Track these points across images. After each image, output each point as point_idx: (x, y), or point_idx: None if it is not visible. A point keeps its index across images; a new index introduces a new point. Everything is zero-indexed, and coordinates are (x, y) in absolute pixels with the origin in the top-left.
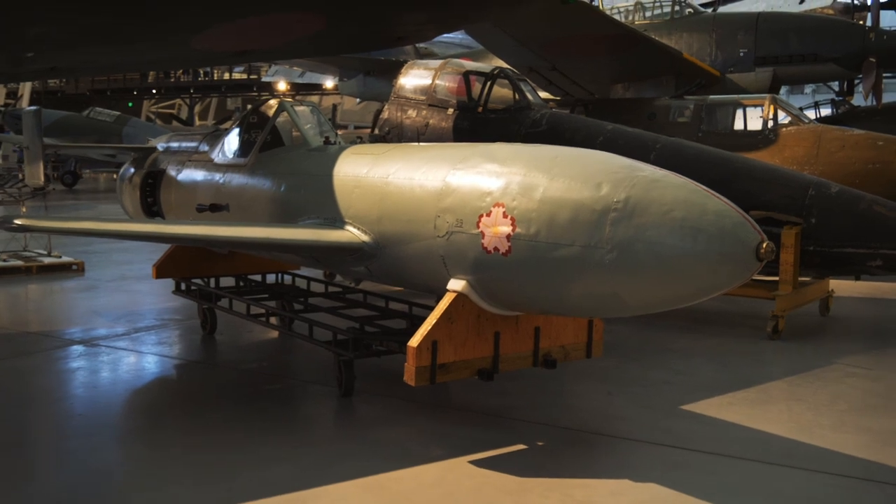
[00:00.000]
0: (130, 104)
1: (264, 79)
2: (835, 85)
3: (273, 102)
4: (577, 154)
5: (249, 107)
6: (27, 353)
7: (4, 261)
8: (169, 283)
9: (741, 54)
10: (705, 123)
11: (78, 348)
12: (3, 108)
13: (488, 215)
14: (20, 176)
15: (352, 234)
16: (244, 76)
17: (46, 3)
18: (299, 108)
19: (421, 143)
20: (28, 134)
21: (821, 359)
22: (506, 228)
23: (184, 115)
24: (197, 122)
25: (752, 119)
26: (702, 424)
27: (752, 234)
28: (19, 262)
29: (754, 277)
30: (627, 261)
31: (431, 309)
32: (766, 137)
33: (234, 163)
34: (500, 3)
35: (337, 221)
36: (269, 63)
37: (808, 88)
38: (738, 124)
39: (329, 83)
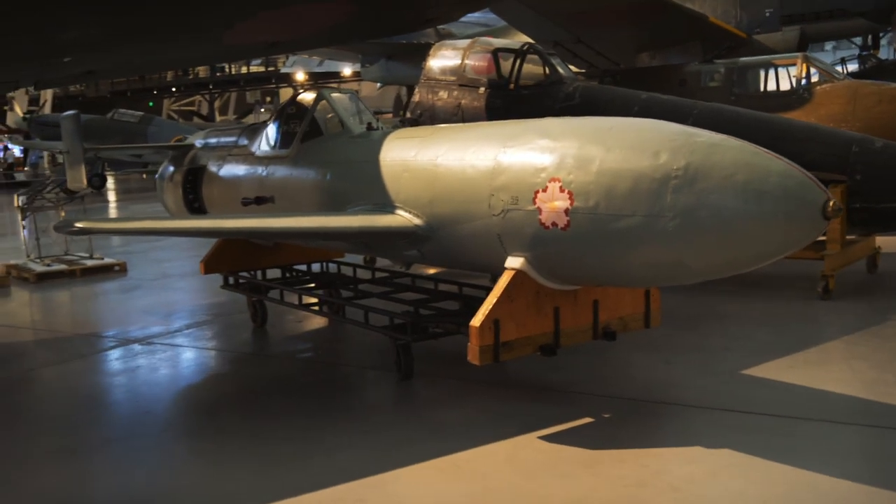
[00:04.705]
0: (151, 104)
1: (283, 70)
2: (857, 40)
3: (311, 92)
4: (631, 124)
5: (274, 99)
6: (85, 355)
7: (48, 265)
8: (211, 280)
9: (767, 14)
10: (737, 86)
11: (134, 347)
12: (27, 116)
13: (544, 191)
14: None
15: (404, 217)
16: (262, 69)
17: (82, 6)
18: (338, 96)
19: (466, 124)
20: (68, 138)
21: (876, 316)
22: (563, 203)
23: (204, 111)
24: (217, 118)
25: (784, 79)
26: (765, 388)
27: (818, 192)
28: (63, 266)
29: None
30: (692, 227)
31: (482, 288)
32: (800, 97)
33: (277, 154)
34: None
35: (387, 206)
36: (287, 54)
37: (829, 45)
38: (771, 85)
39: (347, 71)
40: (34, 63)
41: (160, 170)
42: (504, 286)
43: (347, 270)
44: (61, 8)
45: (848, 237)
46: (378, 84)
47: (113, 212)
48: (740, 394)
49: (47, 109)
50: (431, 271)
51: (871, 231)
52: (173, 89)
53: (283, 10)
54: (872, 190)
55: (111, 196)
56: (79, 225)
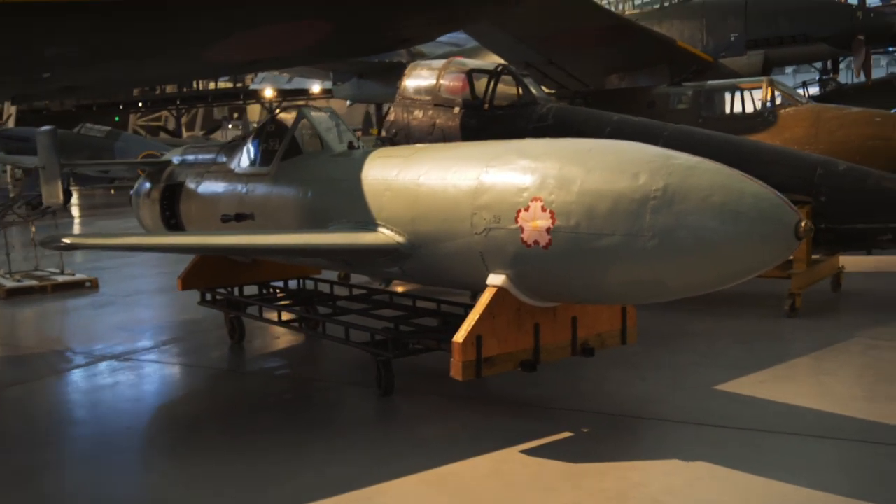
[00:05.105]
0: (117, 118)
1: (251, 86)
2: (817, 65)
3: (291, 110)
4: (611, 146)
5: (242, 115)
6: (60, 372)
7: (18, 281)
8: (183, 296)
9: (732, 39)
10: (705, 109)
11: (111, 363)
12: None
13: (526, 210)
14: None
15: (386, 235)
16: (230, 85)
17: (65, 23)
18: (318, 115)
19: (448, 143)
20: (44, 153)
21: (842, 333)
22: (545, 222)
23: (171, 126)
24: (185, 133)
25: (750, 102)
26: (738, 403)
27: (790, 213)
28: (33, 282)
29: None
30: (670, 247)
31: (460, 306)
32: (765, 119)
33: (257, 172)
34: (501, 1)
35: (369, 224)
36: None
37: (789, 69)
38: (738, 108)
39: (316, 88)
40: (16, 78)
41: (136, 186)
42: (486, 303)
43: (324, 287)
44: (44, 25)
45: (813, 257)
46: (348, 101)
47: (77, 227)
48: (714, 408)
49: (11, 123)
50: (401, 289)
51: (835, 251)
52: (140, 104)
53: (261, 29)
54: (836, 211)
55: (75, 211)
56: (67, 241)
